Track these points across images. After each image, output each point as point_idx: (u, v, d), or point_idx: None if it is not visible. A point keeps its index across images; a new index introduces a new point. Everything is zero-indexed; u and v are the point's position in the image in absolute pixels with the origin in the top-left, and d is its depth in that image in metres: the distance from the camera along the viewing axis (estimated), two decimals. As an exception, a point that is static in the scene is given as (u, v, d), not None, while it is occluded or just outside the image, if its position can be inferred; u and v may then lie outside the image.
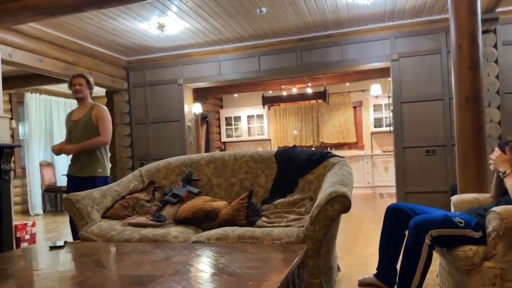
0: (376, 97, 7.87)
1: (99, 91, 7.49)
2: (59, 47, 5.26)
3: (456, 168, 3.21)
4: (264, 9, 4.72)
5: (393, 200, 6.65)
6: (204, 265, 1.77)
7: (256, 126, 10.66)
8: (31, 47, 4.84)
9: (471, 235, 2.02)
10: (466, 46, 3.11)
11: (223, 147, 10.87)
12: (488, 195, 2.48)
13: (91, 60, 5.87)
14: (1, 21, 4.06)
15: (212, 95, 9.49)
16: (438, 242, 2.07)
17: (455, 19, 3.18)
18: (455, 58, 3.18)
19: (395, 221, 2.45)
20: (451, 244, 2.07)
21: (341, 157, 3.07)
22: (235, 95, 10.15)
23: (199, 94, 8.30)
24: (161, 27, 5.05)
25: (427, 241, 2.04)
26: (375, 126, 9.52)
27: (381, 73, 6.97)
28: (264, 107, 9.63)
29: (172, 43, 5.92)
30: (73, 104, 8.92)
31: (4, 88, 4.38)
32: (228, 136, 10.84)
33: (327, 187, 2.43)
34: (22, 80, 6.89)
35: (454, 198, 2.61)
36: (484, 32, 4.65)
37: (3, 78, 4.28)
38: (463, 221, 2.05)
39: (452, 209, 2.56)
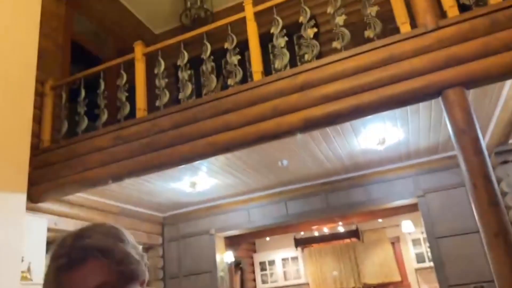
0: (409, 233, 7.67)
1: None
2: (100, 211, 5.67)
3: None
4: (285, 162, 5.09)
5: None
6: None
7: (291, 270, 10.29)
8: (75, 214, 5.23)
9: None
10: (480, 184, 3.16)
11: (259, 294, 10.39)
12: None
13: (129, 220, 6.20)
14: (51, 194, 4.57)
15: (244, 241, 9.51)
16: None
17: (464, 160, 3.28)
18: (473, 196, 3.21)
19: None
20: None
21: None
22: (267, 238, 10.13)
23: (232, 241, 8.36)
24: (192, 185, 5.46)
25: None
26: (418, 262, 8.99)
27: (412, 207, 6.90)
28: (297, 249, 9.47)
29: (203, 197, 6.27)
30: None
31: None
32: (263, 282, 10.43)
33: None
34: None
35: None
36: (503, 163, 4.74)
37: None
38: None
39: None
